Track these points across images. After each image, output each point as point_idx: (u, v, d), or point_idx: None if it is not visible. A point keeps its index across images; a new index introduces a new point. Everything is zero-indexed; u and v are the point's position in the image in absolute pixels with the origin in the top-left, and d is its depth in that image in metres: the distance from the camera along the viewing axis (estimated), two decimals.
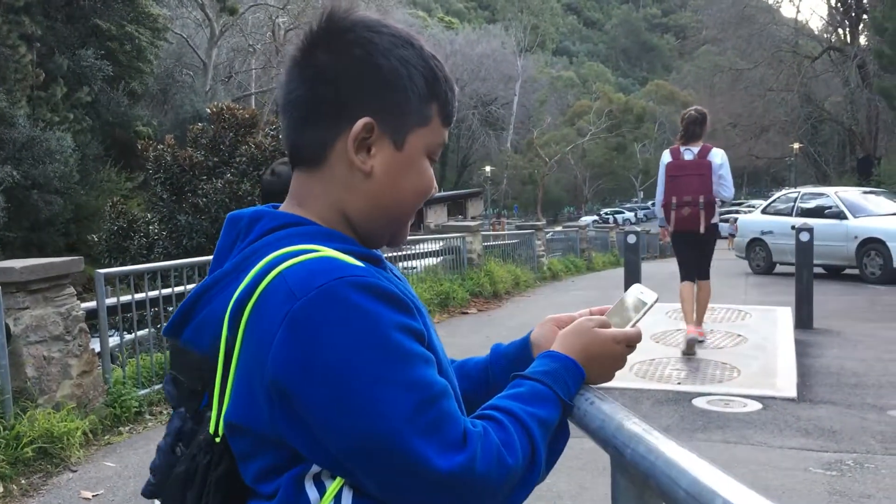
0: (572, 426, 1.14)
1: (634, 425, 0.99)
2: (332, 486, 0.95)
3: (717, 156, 6.43)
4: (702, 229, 6.39)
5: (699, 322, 6.81)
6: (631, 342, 1.20)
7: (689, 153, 6.48)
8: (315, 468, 0.96)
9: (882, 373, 6.26)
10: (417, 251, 11.85)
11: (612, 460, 1.03)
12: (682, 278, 6.81)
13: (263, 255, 0.99)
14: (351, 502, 0.95)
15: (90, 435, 5.13)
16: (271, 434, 0.94)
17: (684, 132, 6.55)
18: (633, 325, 1.22)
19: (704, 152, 6.45)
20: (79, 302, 5.49)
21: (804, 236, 8.69)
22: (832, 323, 8.68)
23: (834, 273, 13.97)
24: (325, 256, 0.96)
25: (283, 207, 1.11)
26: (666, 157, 6.65)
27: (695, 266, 6.72)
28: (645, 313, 1.24)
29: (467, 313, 10.92)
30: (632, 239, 9.27)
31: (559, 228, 23.33)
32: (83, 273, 6.35)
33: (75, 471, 4.65)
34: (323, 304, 0.90)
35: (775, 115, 51.91)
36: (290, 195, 1.11)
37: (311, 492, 0.96)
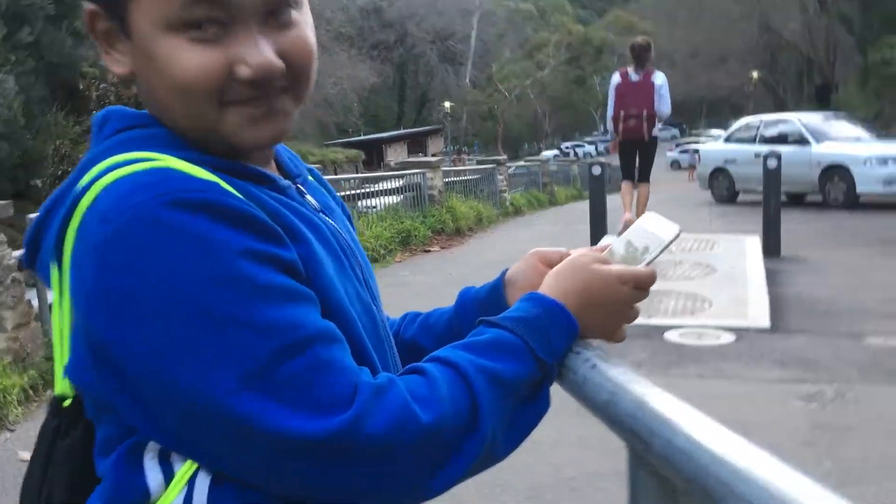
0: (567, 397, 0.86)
1: (664, 403, 0.69)
2: (183, 470, 0.73)
3: (659, 77, 7.78)
4: (645, 137, 7.75)
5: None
6: (642, 284, 0.91)
7: (636, 75, 7.76)
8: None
9: (853, 299, 6.14)
10: (376, 189, 11.48)
11: (631, 450, 0.74)
12: (623, 178, 8.26)
13: (95, 165, 0.76)
14: (207, 492, 0.73)
15: (29, 391, 4.80)
16: (103, 395, 0.74)
17: (635, 59, 7.83)
18: (648, 265, 0.93)
19: (648, 74, 7.72)
20: (10, 250, 5.10)
21: (772, 163, 8.51)
22: (799, 250, 8.56)
23: (797, 200, 13.89)
24: (160, 167, 0.74)
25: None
26: (616, 78, 7.91)
27: (636, 169, 8.11)
28: (663, 251, 0.95)
29: (430, 251, 10.64)
30: (597, 170, 9.04)
31: (521, 163, 23.07)
32: (24, 220, 5.92)
33: (13, 430, 4.35)
34: (135, 229, 0.69)
35: (734, 45, 51.82)
36: None
37: (152, 472, 0.74)
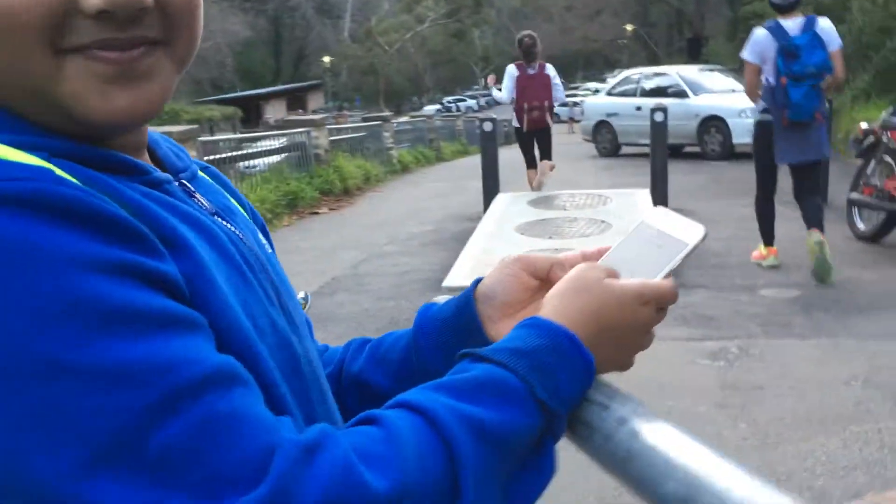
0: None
1: (733, 484, 0.49)
2: None
3: (551, 69, 8.46)
4: (547, 125, 8.51)
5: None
6: (664, 302, 0.70)
7: (531, 69, 8.31)
8: None
9: (743, 251, 6.26)
10: (257, 149, 10.93)
11: None
12: (529, 166, 8.83)
13: None
14: None
15: None
16: None
17: (525, 55, 8.30)
18: (666, 277, 0.72)
19: (542, 68, 8.37)
20: None
21: (658, 116, 8.58)
22: (685, 202, 8.72)
23: (675, 151, 14.24)
24: None
25: None
26: (514, 70, 8.33)
27: (539, 154, 8.73)
28: (685, 257, 0.74)
29: (318, 213, 10.27)
30: (488, 127, 8.88)
31: (405, 119, 22.76)
32: None
33: None
34: None
35: None
36: None
37: None
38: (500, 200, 8.21)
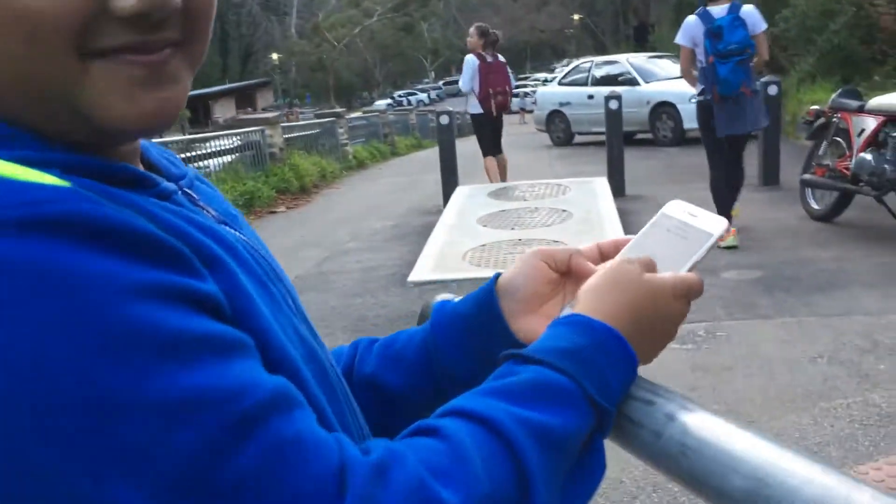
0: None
1: (805, 476, 0.49)
2: None
3: (503, 58, 8.90)
4: (511, 108, 8.95)
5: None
6: (694, 295, 0.70)
7: (490, 58, 8.60)
8: None
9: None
10: (210, 150, 10.76)
11: None
12: (486, 154, 8.94)
13: None
14: None
15: None
16: None
17: (491, 45, 8.69)
18: (692, 268, 0.72)
19: (496, 57, 8.72)
20: None
21: (613, 104, 8.67)
22: (641, 189, 8.83)
23: (627, 138, 14.38)
24: None
25: None
26: (474, 60, 8.50)
27: (494, 141, 8.97)
28: (710, 250, 0.74)
29: (276, 212, 10.16)
30: (444, 120, 8.88)
31: (358, 114, 22.63)
32: None
33: None
34: None
35: None
36: None
37: None
38: (459, 193, 8.21)
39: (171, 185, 0.59)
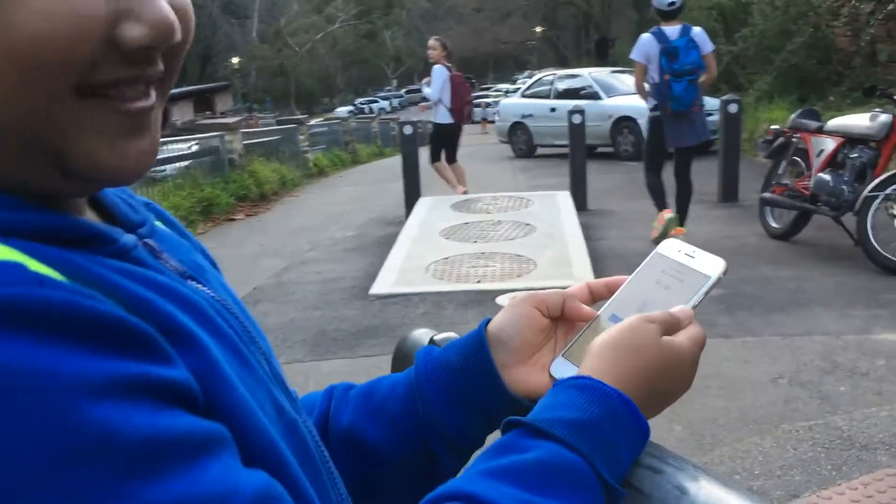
0: None
1: None
2: None
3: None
4: (473, 118, 9.75)
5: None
6: (702, 345, 0.66)
7: (453, 69, 8.92)
8: None
9: None
10: (168, 154, 10.54)
11: None
12: (449, 161, 9.35)
13: None
14: None
15: None
16: None
17: (450, 57, 8.99)
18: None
19: (451, 68, 8.93)
20: None
21: (576, 118, 8.71)
22: (603, 203, 8.88)
23: (588, 152, 14.47)
24: None
25: None
26: (444, 70, 8.69)
27: (454, 150, 9.43)
28: (707, 294, 0.69)
29: (234, 220, 10.00)
30: (408, 130, 8.84)
31: (320, 120, 22.46)
32: None
33: None
34: None
35: (518, 0, 53.50)
36: None
37: None
38: (422, 204, 8.16)
39: (131, 239, 0.52)
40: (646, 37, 6.14)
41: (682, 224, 6.44)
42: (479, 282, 5.56)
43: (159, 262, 0.54)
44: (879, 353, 3.90)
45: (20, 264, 0.40)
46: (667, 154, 6.40)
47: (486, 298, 5.22)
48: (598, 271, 5.71)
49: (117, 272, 0.46)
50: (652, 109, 6.28)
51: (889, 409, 3.28)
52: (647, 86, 6.22)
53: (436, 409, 0.69)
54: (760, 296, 4.95)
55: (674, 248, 0.74)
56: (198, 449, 0.41)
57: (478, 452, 0.60)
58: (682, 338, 0.63)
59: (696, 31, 6.14)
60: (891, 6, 10.90)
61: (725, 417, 3.33)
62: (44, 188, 0.46)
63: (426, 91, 9.13)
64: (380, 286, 5.64)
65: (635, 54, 6.21)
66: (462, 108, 8.92)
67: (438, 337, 0.86)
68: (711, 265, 0.71)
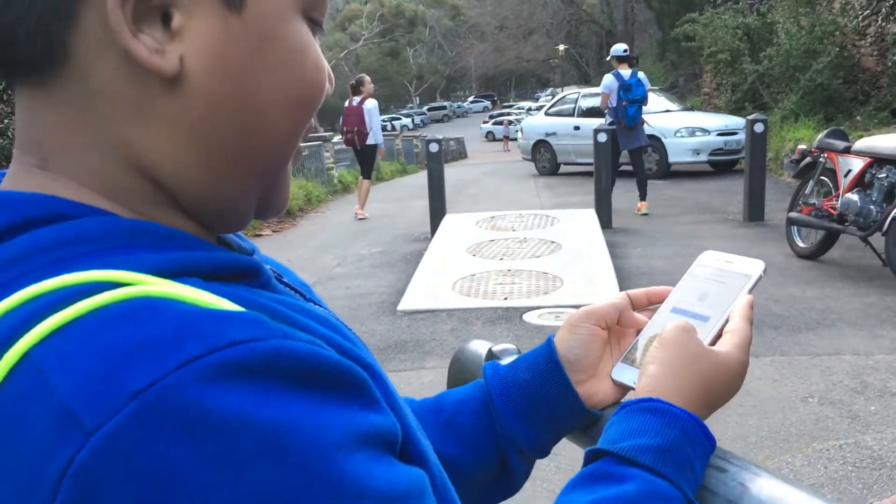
0: None
1: None
2: None
3: (370, 103, 10.55)
4: (358, 147, 10.69)
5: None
6: (749, 346, 0.69)
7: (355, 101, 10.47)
8: None
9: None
10: None
11: None
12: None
13: None
14: None
15: None
16: None
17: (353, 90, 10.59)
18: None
19: (362, 102, 10.45)
20: None
21: (602, 137, 8.74)
22: (628, 221, 8.90)
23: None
24: (146, 299, 0.39)
25: (13, 174, 0.48)
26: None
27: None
28: (750, 292, 0.74)
29: (261, 235, 10.11)
30: (434, 148, 8.90)
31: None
32: None
33: None
34: (165, 442, 0.35)
35: (540, 18, 53.71)
36: (21, 143, 0.49)
37: None
38: (448, 221, 8.22)
39: (267, 269, 0.51)
40: (609, 77, 9.24)
41: (643, 199, 9.50)
42: (506, 298, 5.60)
43: (284, 286, 0.55)
44: None
45: (260, 318, 0.40)
46: (619, 155, 9.43)
47: (514, 315, 5.27)
48: (624, 288, 5.67)
49: (283, 305, 0.47)
50: (609, 124, 9.21)
51: None
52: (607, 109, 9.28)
53: (512, 425, 0.72)
54: (788, 315, 4.96)
55: (712, 258, 0.79)
56: (420, 497, 0.42)
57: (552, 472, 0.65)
58: (730, 346, 0.67)
59: (641, 74, 9.29)
60: None
61: (756, 436, 3.35)
62: (229, 227, 0.53)
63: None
64: (408, 302, 5.70)
65: (603, 87, 9.31)
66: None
67: (497, 349, 0.91)
68: (751, 266, 0.75)
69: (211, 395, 0.36)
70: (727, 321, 0.70)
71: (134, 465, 0.34)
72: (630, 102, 8.96)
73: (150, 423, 0.35)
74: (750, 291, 0.73)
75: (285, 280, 0.58)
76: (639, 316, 0.77)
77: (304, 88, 0.49)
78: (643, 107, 9.15)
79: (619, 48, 9.55)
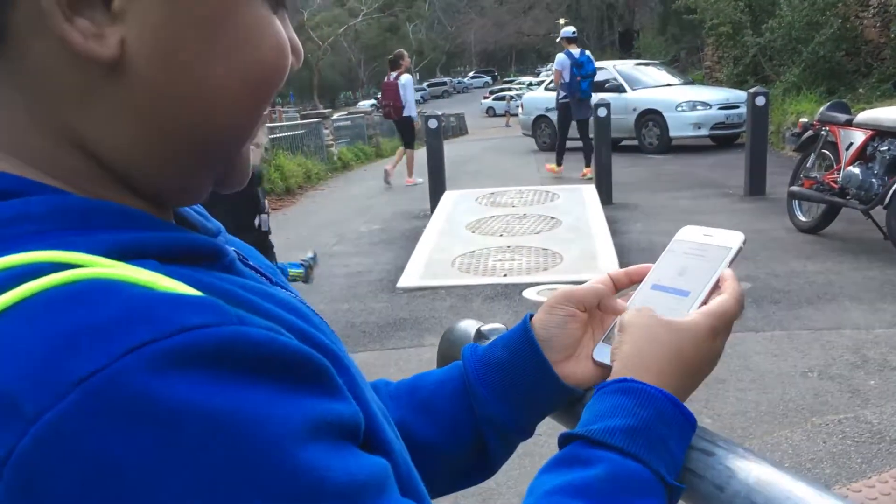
0: None
1: None
2: None
3: (404, 78, 11.08)
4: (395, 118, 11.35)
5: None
6: (732, 322, 0.67)
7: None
8: None
9: None
10: None
11: None
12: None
13: None
14: None
15: None
16: None
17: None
18: (716, 283, 0.70)
19: (398, 77, 11.02)
20: None
21: (602, 112, 8.67)
22: (628, 196, 8.86)
23: (613, 145, 14.40)
24: (94, 280, 0.38)
25: None
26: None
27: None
28: (731, 264, 0.72)
29: None
30: (433, 124, 8.84)
31: (343, 114, 22.52)
32: None
33: None
34: (108, 433, 0.33)
35: None
36: None
37: None
38: (447, 198, 8.18)
39: (231, 251, 0.50)
40: (561, 55, 10.47)
41: (588, 166, 10.36)
42: (505, 275, 5.59)
43: (249, 269, 0.53)
44: None
45: (216, 302, 0.39)
46: (569, 126, 10.81)
47: (513, 292, 5.25)
48: (624, 264, 5.64)
49: (244, 289, 0.46)
50: (561, 99, 10.70)
51: None
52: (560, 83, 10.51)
53: (490, 407, 0.70)
54: (789, 290, 4.94)
55: (691, 233, 0.77)
56: (381, 489, 0.41)
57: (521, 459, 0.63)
58: (694, 314, 0.65)
59: (588, 52, 10.64)
60: None
61: (755, 410, 3.34)
62: (183, 196, 0.50)
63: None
64: (407, 279, 5.68)
65: (557, 65, 10.62)
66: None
67: (485, 328, 0.89)
68: (731, 238, 0.73)
69: (158, 384, 0.34)
70: (709, 294, 0.68)
71: (76, 455, 0.33)
72: (583, 77, 10.30)
73: (94, 412, 0.33)
74: (730, 264, 0.71)
75: (251, 263, 0.56)
76: (619, 302, 0.75)
77: (261, 71, 0.46)
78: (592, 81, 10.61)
79: (569, 30, 10.80)
